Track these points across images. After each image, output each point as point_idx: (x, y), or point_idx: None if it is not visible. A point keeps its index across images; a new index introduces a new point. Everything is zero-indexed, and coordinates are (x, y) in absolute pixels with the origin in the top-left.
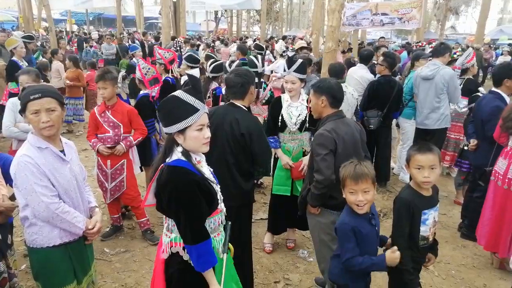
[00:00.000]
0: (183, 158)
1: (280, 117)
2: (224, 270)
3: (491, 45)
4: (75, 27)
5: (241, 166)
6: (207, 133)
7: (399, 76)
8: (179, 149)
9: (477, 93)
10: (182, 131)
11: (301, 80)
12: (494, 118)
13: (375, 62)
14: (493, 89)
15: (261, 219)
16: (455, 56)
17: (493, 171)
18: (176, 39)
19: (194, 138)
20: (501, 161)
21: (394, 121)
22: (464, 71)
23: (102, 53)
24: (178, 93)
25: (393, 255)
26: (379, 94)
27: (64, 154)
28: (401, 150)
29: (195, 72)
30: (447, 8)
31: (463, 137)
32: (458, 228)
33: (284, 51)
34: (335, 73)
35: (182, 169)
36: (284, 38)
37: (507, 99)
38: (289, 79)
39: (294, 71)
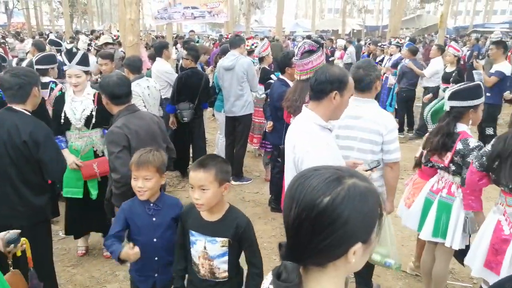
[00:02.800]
0: None
1: (63, 114)
2: None
3: (289, 37)
4: None
5: (28, 178)
6: None
7: (211, 67)
8: None
9: (270, 80)
10: None
11: (86, 72)
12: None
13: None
14: (280, 76)
15: None
16: (253, 47)
17: None
18: None
19: None
20: None
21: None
22: (261, 59)
23: None
24: None
25: (129, 252)
26: (188, 86)
27: None
28: (219, 137)
29: None
30: (249, 3)
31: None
32: (268, 203)
33: (89, 45)
34: (131, 67)
35: None
36: (92, 32)
37: (291, 84)
38: (72, 73)
39: (77, 63)
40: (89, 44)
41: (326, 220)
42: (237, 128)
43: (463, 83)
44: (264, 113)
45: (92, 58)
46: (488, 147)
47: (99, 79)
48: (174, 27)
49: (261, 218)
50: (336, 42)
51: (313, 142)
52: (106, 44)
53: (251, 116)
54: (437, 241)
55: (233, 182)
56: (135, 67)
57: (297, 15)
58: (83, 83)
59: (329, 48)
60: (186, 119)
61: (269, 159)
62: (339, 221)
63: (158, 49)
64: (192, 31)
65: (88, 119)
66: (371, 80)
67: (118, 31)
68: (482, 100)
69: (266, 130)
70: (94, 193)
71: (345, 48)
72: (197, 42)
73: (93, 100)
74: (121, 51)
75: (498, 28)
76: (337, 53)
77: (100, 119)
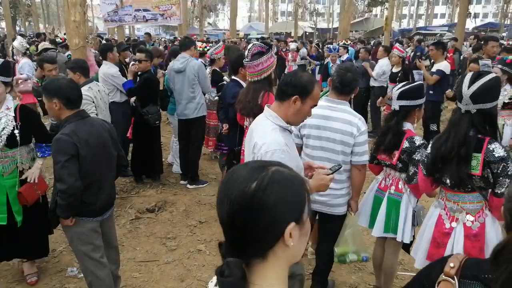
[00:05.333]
0: None
1: None
2: None
3: (243, 39)
4: None
5: None
6: None
7: (162, 71)
8: None
9: (223, 82)
10: None
11: (6, 83)
12: (235, 102)
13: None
14: (233, 77)
15: None
16: (205, 49)
17: (242, 150)
18: None
19: None
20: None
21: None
22: (212, 61)
23: None
24: None
25: None
26: (152, 89)
27: None
28: (173, 141)
29: None
30: (202, 6)
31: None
32: None
33: (27, 49)
34: (82, 70)
35: None
36: (38, 35)
37: (244, 84)
38: None
39: None
40: (27, 49)
41: (256, 205)
42: (191, 131)
43: (406, 82)
44: (217, 116)
45: (29, 62)
46: (429, 148)
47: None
48: (127, 30)
49: (218, 220)
50: (289, 45)
51: (272, 143)
52: (45, 50)
53: (204, 118)
54: (388, 236)
55: (189, 186)
56: (85, 70)
57: (251, 17)
58: (0, 95)
59: (284, 50)
60: (158, 122)
61: (225, 161)
62: (268, 203)
63: (102, 52)
64: (147, 33)
65: (10, 139)
66: (356, 85)
67: (65, 34)
68: (424, 99)
69: (222, 133)
70: (19, 219)
71: (297, 50)
72: (152, 45)
73: (15, 117)
74: (68, 54)
75: (440, 30)
76: (290, 56)
77: (26, 136)
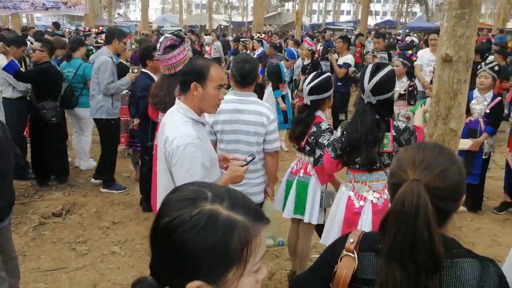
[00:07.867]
0: None
1: None
2: None
3: (155, 31)
4: None
5: None
6: None
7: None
8: None
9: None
10: None
11: None
12: (145, 95)
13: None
14: (143, 69)
15: None
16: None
17: (154, 145)
18: None
19: None
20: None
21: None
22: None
23: None
24: None
25: None
26: (51, 82)
27: None
28: (79, 141)
29: None
30: None
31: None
32: (140, 204)
33: None
34: None
35: None
36: None
37: (155, 77)
38: None
39: None
40: None
41: (162, 242)
42: (101, 133)
43: (315, 74)
44: (129, 111)
45: None
46: (337, 133)
47: None
48: (24, 18)
49: (133, 220)
50: (204, 39)
51: (184, 136)
52: None
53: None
54: (298, 217)
55: (101, 190)
56: None
57: (164, 9)
58: None
59: (196, 43)
60: (55, 119)
61: (139, 158)
62: (174, 247)
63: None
64: (55, 23)
65: None
66: (256, 73)
67: None
68: (332, 89)
69: (133, 128)
70: None
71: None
72: (54, 35)
73: None
74: None
75: (346, 26)
76: (206, 48)
77: None
